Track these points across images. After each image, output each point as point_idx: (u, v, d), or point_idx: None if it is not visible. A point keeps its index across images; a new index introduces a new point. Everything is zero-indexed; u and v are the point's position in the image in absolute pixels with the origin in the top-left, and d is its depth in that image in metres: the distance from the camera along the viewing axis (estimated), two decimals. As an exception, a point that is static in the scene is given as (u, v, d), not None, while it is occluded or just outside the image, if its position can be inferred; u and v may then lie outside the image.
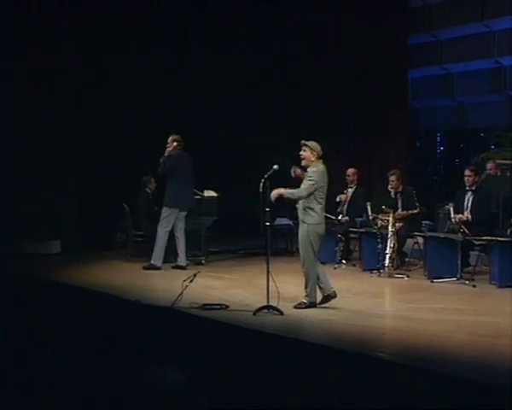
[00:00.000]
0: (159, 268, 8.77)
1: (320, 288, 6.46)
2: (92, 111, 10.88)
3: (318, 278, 6.45)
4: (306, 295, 6.43)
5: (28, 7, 10.26)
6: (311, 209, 6.42)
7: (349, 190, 9.49)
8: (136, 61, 11.19)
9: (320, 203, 6.47)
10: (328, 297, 6.43)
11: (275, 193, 6.41)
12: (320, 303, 6.43)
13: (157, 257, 8.81)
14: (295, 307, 6.35)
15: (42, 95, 10.42)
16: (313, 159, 6.49)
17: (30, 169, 10.44)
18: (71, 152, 10.81)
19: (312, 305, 6.39)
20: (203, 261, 9.22)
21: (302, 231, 6.47)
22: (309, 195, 6.41)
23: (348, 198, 9.46)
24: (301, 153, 6.55)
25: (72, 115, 10.81)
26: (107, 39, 10.77)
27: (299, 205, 6.52)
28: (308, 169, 6.48)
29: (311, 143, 6.56)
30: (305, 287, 6.44)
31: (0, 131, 9.91)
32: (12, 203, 10.24)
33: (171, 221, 8.82)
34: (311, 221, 6.42)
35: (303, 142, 6.58)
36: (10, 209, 10.22)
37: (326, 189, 6.56)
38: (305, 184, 6.43)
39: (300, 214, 6.52)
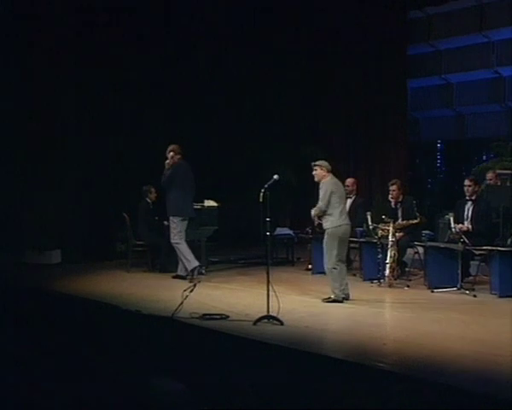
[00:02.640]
0: (199, 266, 8.62)
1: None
2: (93, 121, 10.92)
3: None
4: (333, 291, 7.14)
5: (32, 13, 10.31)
6: (329, 215, 7.09)
7: (348, 200, 9.48)
8: (138, 72, 11.24)
9: (337, 208, 7.10)
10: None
11: (315, 219, 7.52)
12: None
13: (191, 262, 8.58)
14: (323, 300, 7.11)
15: (43, 104, 10.44)
16: (324, 174, 7.22)
17: (30, 178, 10.45)
18: (71, 162, 10.82)
19: (338, 300, 7.07)
20: (203, 271, 9.21)
21: (325, 236, 7.17)
22: (327, 203, 7.08)
23: (347, 208, 9.45)
24: (313, 173, 7.26)
25: (72, 125, 10.84)
26: (109, 51, 10.85)
27: None
28: (320, 184, 7.22)
29: (321, 162, 7.29)
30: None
31: (0, 142, 9.94)
32: (12, 213, 10.26)
33: (182, 230, 8.68)
34: (328, 226, 7.11)
35: (313, 163, 7.30)
36: (10, 219, 10.23)
37: (342, 195, 7.28)
38: (320, 196, 7.13)
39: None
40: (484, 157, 13.21)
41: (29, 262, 10.11)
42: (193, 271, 8.61)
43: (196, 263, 8.63)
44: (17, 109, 10.24)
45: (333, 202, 7.07)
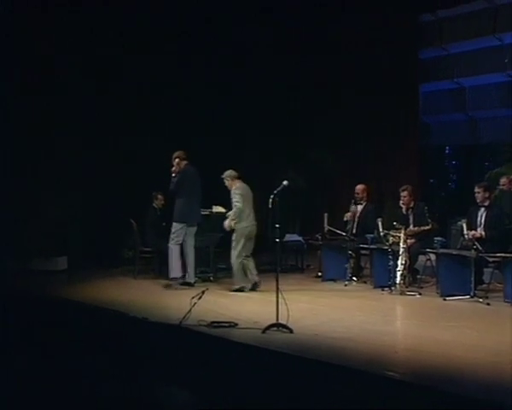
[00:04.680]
0: (182, 278, 8.72)
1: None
2: (100, 125, 10.97)
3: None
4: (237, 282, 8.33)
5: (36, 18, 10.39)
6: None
7: (358, 206, 9.49)
8: (146, 76, 11.31)
9: (244, 211, 8.28)
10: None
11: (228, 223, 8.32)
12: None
13: (174, 270, 8.77)
14: (231, 291, 8.26)
15: (50, 108, 10.51)
16: (232, 182, 8.35)
17: (36, 183, 10.51)
18: (78, 167, 10.88)
19: (242, 290, 8.31)
20: (211, 278, 9.22)
21: (233, 234, 8.37)
22: (242, 205, 8.26)
23: (358, 215, 9.46)
24: (225, 184, 8.37)
25: (79, 130, 10.90)
26: (115, 54, 10.91)
27: None
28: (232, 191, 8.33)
29: (227, 173, 8.38)
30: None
31: (6, 148, 10.01)
32: (17, 218, 10.31)
33: (180, 236, 8.83)
34: (237, 226, 8.29)
35: (222, 176, 8.38)
36: (16, 224, 10.28)
37: (249, 199, 8.39)
38: (235, 201, 8.26)
39: None
40: (497, 162, 13.16)
41: (35, 269, 10.15)
42: (172, 279, 8.72)
43: (179, 275, 8.74)
44: (21, 112, 10.31)
45: (244, 204, 8.26)
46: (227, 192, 8.58)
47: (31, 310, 7.22)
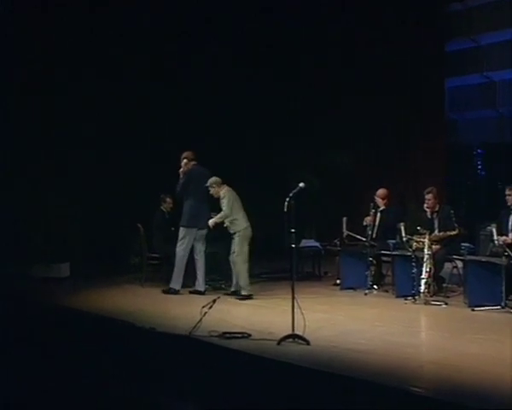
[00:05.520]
0: (177, 292, 8.88)
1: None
2: (100, 125, 11.10)
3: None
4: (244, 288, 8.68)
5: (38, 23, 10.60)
6: (235, 219, 8.69)
7: (378, 211, 9.48)
8: (153, 77, 11.45)
9: (239, 212, 8.72)
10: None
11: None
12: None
13: (176, 280, 8.91)
14: (239, 299, 8.52)
15: (54, 110, 10.66)
16: (218, 188, 8.73)
17: (38, 186, 10.62)
18: (82, 167, 11.00)
19: (250, 296, 8.62)
20: (223, 286, 9.28)
21: (236, 238, 8.73)
22: (230, 210, 8.67)
23: (378, 219, 9.46)
24: (211, 193, 8.77)
25: (79, 130, 11.02)
26: (123, 56, 11.08)
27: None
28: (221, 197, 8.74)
29: (212, 181, 8.76)
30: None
31: (5, 149, 10.15)
32: (18, 222, 10.42)
33: (188, 241, 8.91)
34: (238, 228, 8.68)
35: (206, 185, 8.74)
36: (16, 229, 10.40)
37: (239, 201, 8.81)
38: (223, 206, 8.69)
39: None
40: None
41: (35, 276, 10.24)
42: (171, 289, 8.90)
43: (178, 287, 8.90)
44: (23, 116, 10.48)
45: (235, 207, 8.71)
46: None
47: (30, 320, 7.29)
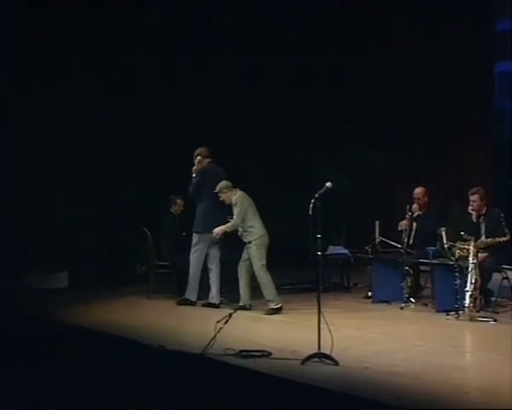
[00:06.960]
0: (194, 303, 8.94)
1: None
2: (100, 125, 11.25)
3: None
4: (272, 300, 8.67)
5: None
6: (251, 227, 8.72)
7: (416, 213, 9.44)
8: (165, 77, 11.76)
9: (254, 219, 8.75)
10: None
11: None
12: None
13: (191, 290, 8.99)
14: (265, 313, 8.54)
15: (56, 112, 10.88)
16: (230, 193, 8.75)
17: (34, 187, 10.73)
18: (84, 165, 11.11)
19: (280, 307, 8.64)
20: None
21: (253, 247, 8.77)
22: (242, 219, 8.70)
23: (415, 223, 9.41)
24: (221, 199, 8.74)
25: (80, 130, 11.17)
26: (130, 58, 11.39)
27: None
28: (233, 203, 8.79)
29: (221, 186, 8.74)
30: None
31: (5, 150, 10.34)
32: (13, 227, 10.53)
33: (202, 248, 8.93)
34: (255, 237, 8.71)
35: (216, 191, 8.69)
36: (10, 235, 10.50)
37: (254, 206, 8.83)
38: (235, 213, 8.73)
39: None
40: None
41: (30, 286, 10.31)
42: (186, 299, 9.01)
43: (194, 298, 9.03)
44: (22, 117, 10.73)
45: (250, 214, 8.71)
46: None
47: (20, 340, 7.31)
